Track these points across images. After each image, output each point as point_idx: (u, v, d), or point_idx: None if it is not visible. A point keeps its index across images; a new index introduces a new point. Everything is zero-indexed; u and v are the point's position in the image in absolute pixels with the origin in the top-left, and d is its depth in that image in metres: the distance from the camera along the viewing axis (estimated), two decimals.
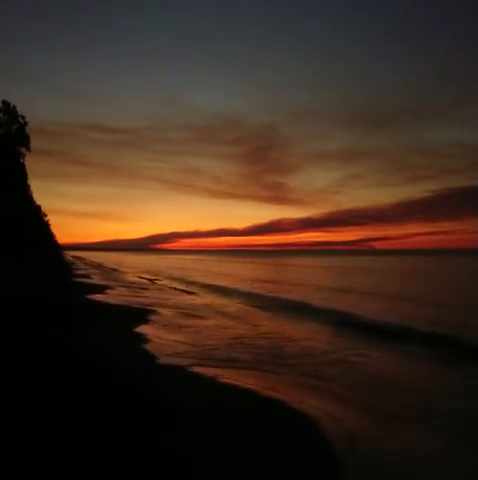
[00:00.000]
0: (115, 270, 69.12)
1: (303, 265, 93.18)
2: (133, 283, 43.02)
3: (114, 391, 8.50)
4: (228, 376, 10.51)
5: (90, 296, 27.36)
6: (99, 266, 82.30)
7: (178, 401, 8.27)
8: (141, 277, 53.11)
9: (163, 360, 11.77)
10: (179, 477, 5.46)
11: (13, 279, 27.64)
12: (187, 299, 29.44)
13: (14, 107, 60.10)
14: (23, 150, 60.70)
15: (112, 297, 27.97)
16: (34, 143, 63.14)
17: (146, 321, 18.54)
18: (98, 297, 27.32)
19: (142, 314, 20.39)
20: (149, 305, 24.12)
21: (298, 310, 23.65)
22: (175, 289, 37.12)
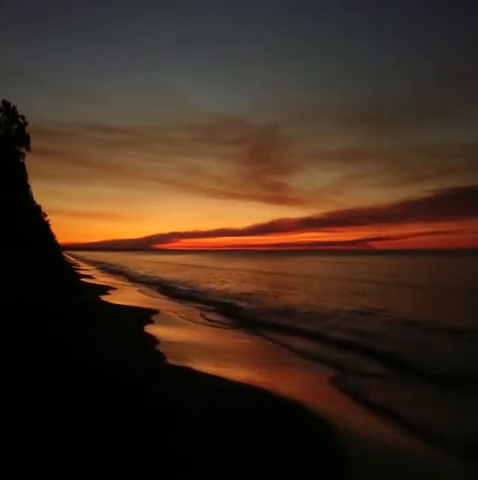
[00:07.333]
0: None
1: (290, 272, 63.98)
2: None
3: (114, 391, 8.33)
4: (230, 375, 10.35)
5: (90, 296, 27.28)
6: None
7: (178, 401, 8.09)
8: None
9: (167, 360, 11.63)
10: (178, 473, 5.42)
11: (12, 279, 27.48)
12: None
13: (14, 107, 60.10)
14: (23, 150, 60.69)
15: (115, 298, 28.03)
16: (34, 143, 63.02)
17: (150, 321, 18.44)
18: (101, 297, 27.32)
19: (146, 314, 20.32)
20: None
21: None
22: None
